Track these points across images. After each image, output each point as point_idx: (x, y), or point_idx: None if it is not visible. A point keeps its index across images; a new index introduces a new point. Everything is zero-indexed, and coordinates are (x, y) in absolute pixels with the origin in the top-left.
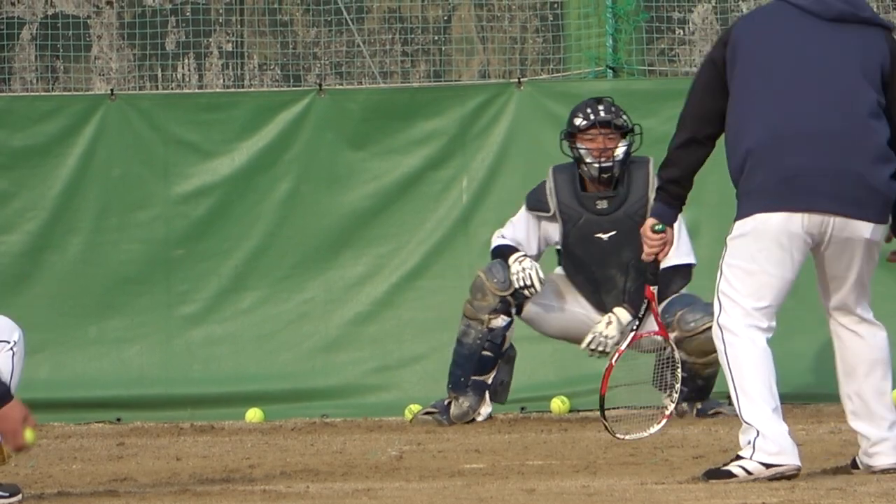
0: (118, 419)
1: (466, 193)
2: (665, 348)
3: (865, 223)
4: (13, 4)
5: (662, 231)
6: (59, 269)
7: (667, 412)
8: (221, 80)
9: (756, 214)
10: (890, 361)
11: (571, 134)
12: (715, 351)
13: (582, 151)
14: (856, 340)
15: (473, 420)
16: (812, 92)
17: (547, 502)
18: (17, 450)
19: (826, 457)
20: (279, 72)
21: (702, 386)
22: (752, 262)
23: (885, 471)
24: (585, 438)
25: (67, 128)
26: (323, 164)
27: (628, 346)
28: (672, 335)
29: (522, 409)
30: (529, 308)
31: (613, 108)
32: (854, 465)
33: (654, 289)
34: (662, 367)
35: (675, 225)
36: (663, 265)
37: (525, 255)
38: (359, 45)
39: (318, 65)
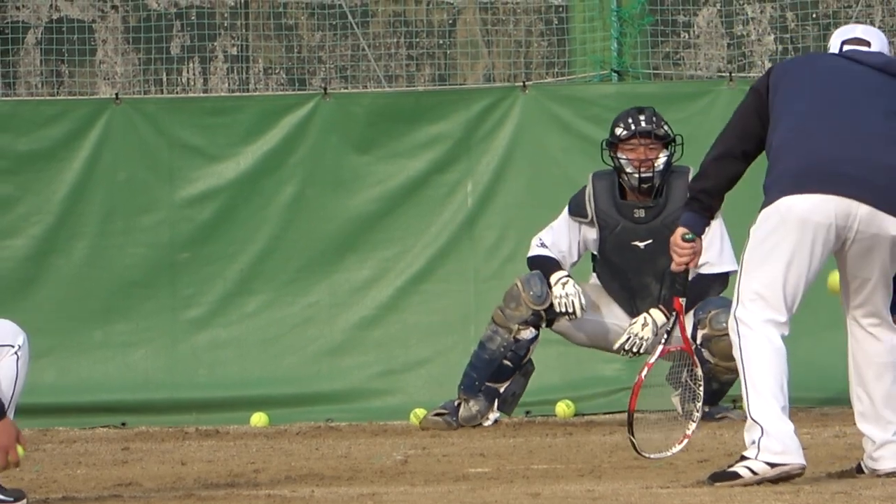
0: (123, 423)
1: (471, 197)
2: (689, 364)
3: (894, 219)
4: (18, 9)
5: (692, 240)
6: (65, 273)
7: (688, 431)
8: (226, 84)
9: (780, 199)
10: None
11: (612, 143)
12: None
13: (623, 161)
14: (872, 342)
15: (480, 424)
16: (851, 111)
17: None
18: (7, 467)
19: (831, 460)
20: (284, 76)
21: (716, 390)
22: (772, 253)
23: (889, 475)
24: (590, 442)
25: (72, 132)
26: (328, 168)
27: (657, 359)
28: (701, 332)
29: (527, 412)
30: (562, 322)
31: (655, 118)
32: (859, 469)
33: (682, 300)
34: (685, 382)
35: (717, 232)
36: (707, 271)
37: (568, 277)
38: (364, 49)
39: (323, 69)
